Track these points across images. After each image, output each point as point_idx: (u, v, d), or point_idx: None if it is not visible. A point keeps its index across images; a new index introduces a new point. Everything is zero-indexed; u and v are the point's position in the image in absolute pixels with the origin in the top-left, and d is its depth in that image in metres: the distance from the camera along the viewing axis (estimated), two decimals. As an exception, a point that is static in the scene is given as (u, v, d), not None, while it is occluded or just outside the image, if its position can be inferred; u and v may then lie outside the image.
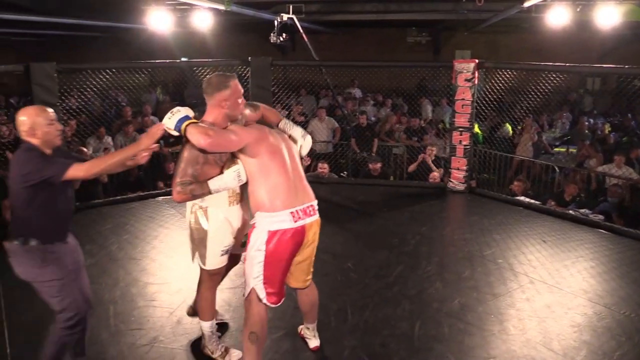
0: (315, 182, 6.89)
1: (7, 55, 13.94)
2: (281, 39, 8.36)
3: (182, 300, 3.79)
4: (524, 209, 5.89)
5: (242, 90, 2.76)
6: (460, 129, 6.37)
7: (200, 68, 7.11)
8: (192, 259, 2.96)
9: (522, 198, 6.23)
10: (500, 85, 6.45)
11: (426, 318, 3.57)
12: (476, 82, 6.17)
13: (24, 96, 8.80)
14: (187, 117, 2.57)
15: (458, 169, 6.47)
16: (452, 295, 3.90)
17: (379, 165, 7.19)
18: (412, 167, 7.48)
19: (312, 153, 8.05)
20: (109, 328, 3.45)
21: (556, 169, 7.44)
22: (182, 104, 11.58)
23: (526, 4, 7.24)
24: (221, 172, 2.69)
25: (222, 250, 2.91)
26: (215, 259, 2.91)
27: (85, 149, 6.69)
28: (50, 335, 2.78)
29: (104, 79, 6.34)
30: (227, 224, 2.87)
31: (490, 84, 6.56)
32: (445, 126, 8.54)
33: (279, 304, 2.81)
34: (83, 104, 7.73)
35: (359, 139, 8.36)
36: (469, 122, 6.31)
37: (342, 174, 7.62)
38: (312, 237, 2.79)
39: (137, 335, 3.36)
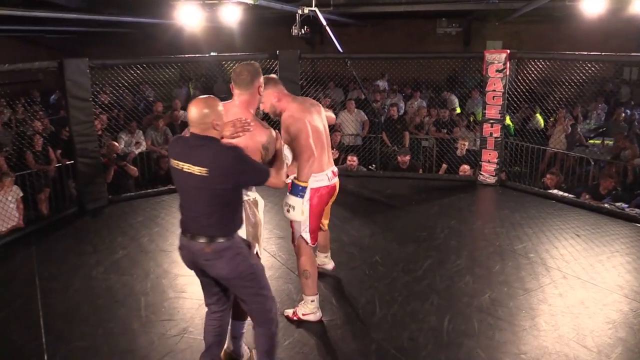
0: (344, 174, 6.87)
1: (40, 52, 14.28)
2: (303, 31, 8.34)
3: (211, 292, 3.82)
4: (557, 203, 5.76)
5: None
6: (491, 121, 6.26)
7: (229, 62, 7.12)
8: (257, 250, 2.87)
9: (555, 191, 6.09)
10: (533, 76, 6.30)
11: (455, 312, 3.53)
12: (508, 73, 6.05)
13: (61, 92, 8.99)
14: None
15: (489, 162, 6.36)
16: (483, 290, 3.84)
17: (407, 158, 7.12)
18: (442, 170, 7.39)
19: (341, 146, 8.03)
20: (140, 318, 3.51)
21: (591, 161, 7.24)
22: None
23: (560, -8, 7.05)
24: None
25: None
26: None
27: (116, 143, 6.81)
28: (259, 337, 2.69)
29: (135, 74, 6.43)
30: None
31: (522, 74, 6.41)
32: (476, 118, 8.40)
33: (315, 244, 3.47)
34: (115, 99, 7.86)
35: (390, 132, 8.29)
36: (500, 113, 6.19)
37: (370, 166, 7.58)
38: (336, 190, 3.50)
39: (167, 325, 3.41)
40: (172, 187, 6.42)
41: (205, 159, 2.37)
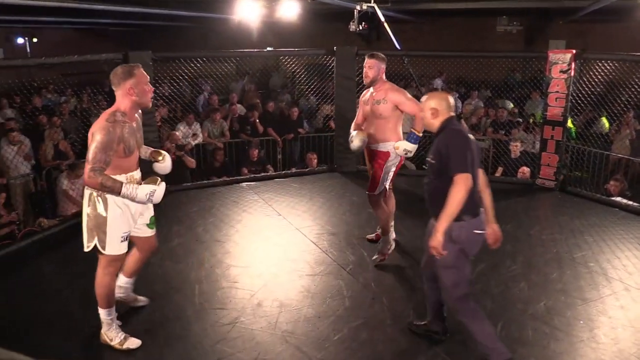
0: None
1: (104, 44, 14.84)
2: (360, 27, 8.31)
3: (263, 284, 3.89)
4: (620, 211, 5.50)
5: (148, 77, 3.04)
6: (553, 123, 6.05)
7: (286, 57, 7.19)
8: (86, 247, 3.01)
9: (618, 199, 5.83)
10: (599, 77, 6.04)
11: (509, 319, 3.44)
12: (572, 73, 5.82)
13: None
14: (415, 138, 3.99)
15: (548, 165, 6.15)
16: (538, 297, 3.72)
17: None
18: (498, 173, 7.21)
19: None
20: (194, 306, 3.61)
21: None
22: (268, 92, 11.84)
23: (633, -10, 6.72)
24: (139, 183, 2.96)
25: (122, 237, 3.02)
26: (116, 245, 3.01)
27: (177, 133, 7.00)
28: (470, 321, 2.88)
29: (194, 68, 6.59)
30: (127, 211, 2.99)
31: (587, 76, 6.16)
32: (536, 120, 8.14)
33: None
34: (174, 92, 8.07)
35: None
36: (562, 115, 5.98)
37: (424, 166, 7.46)
38: None
39: (219, 314, 3.49)
40: (227, 179, 6.57)
41: None
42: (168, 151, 6.57)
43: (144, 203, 2.94)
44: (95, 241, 2.99)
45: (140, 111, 3.13)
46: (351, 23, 8.61)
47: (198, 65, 6.58)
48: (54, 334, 3.31)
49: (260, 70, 13.44)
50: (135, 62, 5.46)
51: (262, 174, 6.89)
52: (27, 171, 6.31)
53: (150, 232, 3.27)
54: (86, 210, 2.99)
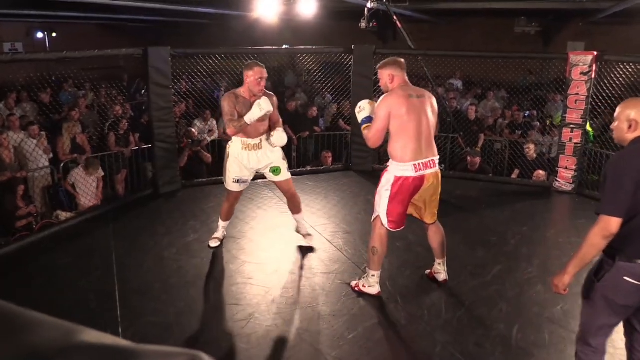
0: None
1: (122, 40, 14.96)
2: (370, 25, 8.31)
3: (277, 281, 3.90)
4: (639, 216, 5.43)
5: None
6: (572, 126, 5.99)
7: (303, 55, 7.18)
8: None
9: (637, 203, 5.75)
10: (621, 80, 5.96)
11: (525, 322, 3.42)
12: (593, 76, 5.76)
13: (142, 79, 9.39)
14: (368, 119, 3.47)
15: (566, 168, 6.09)
16: (555, 301, 3.68)
17: (478, 159, 6.94)
18: (514, 175, 7.15)
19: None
20: (209, 301, 3.63)
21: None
22: (283, 90, 11.84)
23: (655, -8, 6.63)
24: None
25: (233, 179, 4.21)
26: (229, 183, 4.26)
27: (193, 130, 7.04)
28: None
29: (212, 64, 6.62)
30: (238, 162, 4.15)
31: (607, 78, 6.08)
32: (553, 122, 8.06)
33: (395, 230, 3.50)
34: (191, 88, 8.11)
35: (465, 133, 8.07)
36: (581, 118, 5.92)
37: (440, 166, 7.42)
38: (432, 182, 3.45)
39: (234, 310, 3.50)
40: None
41: None
42: (185, 147, 6.64)
43: (259, 114, 3.84)
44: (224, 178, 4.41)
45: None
46: (362, 20, 8.62)
47: (216, 61, 6.61)
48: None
49: (275, 68, 13.45)
50: (155, 57, 5.56)
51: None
52: (45, 164, 6.38)
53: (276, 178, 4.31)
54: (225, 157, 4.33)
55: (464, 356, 3.06)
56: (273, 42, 11.94)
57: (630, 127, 2.29)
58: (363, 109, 3.54)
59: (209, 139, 7.45)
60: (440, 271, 3.82)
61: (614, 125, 2.39)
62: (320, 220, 5.15)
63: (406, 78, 3.48)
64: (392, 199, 3.40)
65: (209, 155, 7.01)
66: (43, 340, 0.49)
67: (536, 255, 4.50)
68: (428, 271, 3.93)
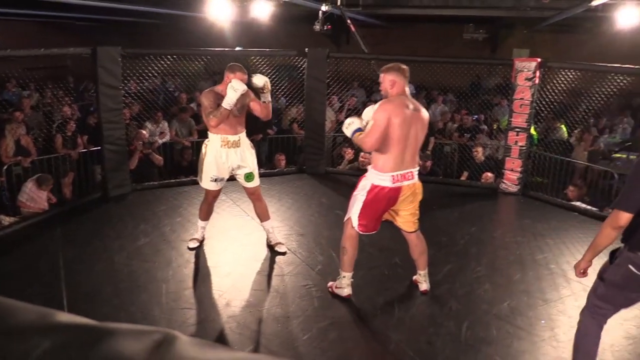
0: (356, 174, 6.86)
1: (70, 38, 14.47)
2: (325, 28, 8.42)
3: (231, 284, 3.88)
4: (580, 215, 5.70)
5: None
6: (517, 129, 6.22)
7: (257, 57, 7.15)
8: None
9: (577, 203, 6.03)
10: (562, 86, 6.24)
11: (474, 319, 3.53)
12: (537, 81, 6.00)
13: (90, 79, 9.10)
14: (358, 129, 3.43)
15: (512, 170, 6.32)
16: (502, 298, 3.82)
17: (429, 163, 7.10)
18: (463, 177, 7.35)
19: (357, 145, 8.03)
20: (161, 305, 3.56)
21: (615, 175, 7.15)
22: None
23: (594, 3, 6.97)
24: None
25: (211, 177, 4.16)
26: (207, 182, 4.20)
27: (144, 132, 6.89)
28: None
29: (164, 65, 6.51)
30: (217, 160, 4.10)
31: (550, 84, 6.36)
32: (500, 126, 8.34)
33: (367, 233, 3.53)
34: (143, 89, 7.94)
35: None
36: (526, 122, 6.15)
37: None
38: (409, 194, 3.46)
39: (187, 314, 3.46)
40: (194, 177, 6.49)
41: None
42: (135, 149, 6.49)
43: (235, 95, 3.86)
44: (199, 177, 4.35)
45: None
46: (316, 23, 8.72)
47: (168, 62, 6.50)
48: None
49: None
50: (104, 57, 5.42)
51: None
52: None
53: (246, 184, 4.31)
54: (200, 154, 4.28)
55: (416, 354, 3.13)
56: (227, 45, 11.85)
57: None
58: (352, 122, 3.50)
59: (160, 141, 7.32)
60: (421, 281, 3.81)
61: None
62: (274, 222, 5.12)
63: (406, 86, 3.43)
64: (365, 205, 3.42)
65: (160, 158, 6.89)
66: (22, 323, 0.55)
67: (484, 254, 4.65)
68: (414, 277, 3.89)
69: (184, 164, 7.20)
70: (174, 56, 6.58)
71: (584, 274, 2.74)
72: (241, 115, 4.14)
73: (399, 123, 3.25)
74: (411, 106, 3.36)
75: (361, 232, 3.53)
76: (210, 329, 3.29)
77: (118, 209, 5.49)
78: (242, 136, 4.20)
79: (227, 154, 4.12)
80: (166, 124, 7.80)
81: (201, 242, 4.54)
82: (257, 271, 4.12)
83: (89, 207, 5.51)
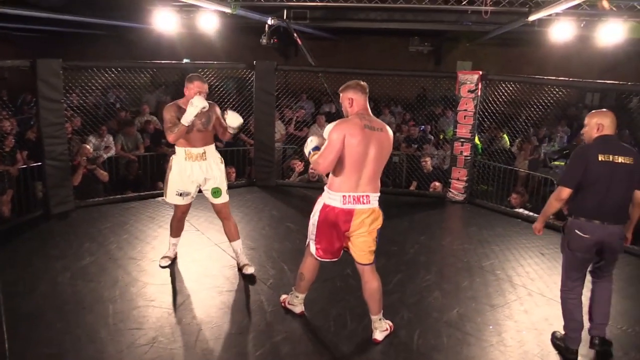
0: (306, 186, 6.91)
1: (7, 50, 13.89)
2: (271, 41, 8.46)
3: (181, 302, 3.80)
4: (523, 222, 5.92)
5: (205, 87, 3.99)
6: (462, 140, 6.41)
7: (205, 70, 7.08)
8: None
9: (520, 210, 6.26)
10: (503, 97, 6.49)
11: (425, 327, 3.59)
12: (479, 93, 6.21)
13: (29, 93, 8.75)
14: (315, 148, 3.27)
15: (458, 179, 6.50)
16: (451, 305, 3.91)
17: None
18: (412, 187, 7.49)
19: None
20: (108, 326, 3.44)
21: (555, 182, 7.46)
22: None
23: (531, 18, 7.28)
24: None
25: (177, 191, 4.12)
26: (172, 196, 4.15)
27: (88, 146, 6.67)
28: None
29: (108, 78, 6.34)
30: (182, 174, 4.06)
31: (492, 96, 6.59)
32: (446, 136, 8.57)
33: (324, 259, 3.36)
34: (84, 102, 7.70)
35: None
36: (470, 133, 6.35)
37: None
38: (363, 220, 3.20)
39: (136, 334, 3.36)
40: (141, 194, 6.34)
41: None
42: (79, 165, 6.28)
43: (196, 110, 3.82)
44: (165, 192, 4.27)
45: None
46: (262, 36, 8.74)
47: (112, 75, 6.34)
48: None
49: (175, 82, 13.13)
50: (44, 70, 5.23)
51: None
52: None
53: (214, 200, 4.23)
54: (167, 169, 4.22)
55: (370, 364, 3.15)
56: (174, 57, 11.69)
57: (597, 129, 3.21)
58: (311, 140, 3.35)
59: (105, 156, 7.11)
60: (374, 329, 3.42)
61: (585, 129, 3.31)
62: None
63: (367, 104, 3.26)
64: (318, 225, 3.25)
65: (105, 173, 6.67)
66: None
67: (433, 262, 4.75)
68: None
69: (130, 177, 7.01)
70: (119, 69, 6.42)
71: (540, 231, 3.51)
72: (206, 129, 4.06)
73: (356, 143, 3.06)
74: (372, 125, 3.16)
75: (319, 259, 3.37)
76: (160, 349, 3.20)
77: (61, 227, 5.28)
78: (209, 149, 4.12)
79: (191, 167, 4.05)
80: (111, 138, 7.59)
81: (173, 259, 4.43)
82: (207, 287, 4.05)
83: (29, 226, 5.27)
